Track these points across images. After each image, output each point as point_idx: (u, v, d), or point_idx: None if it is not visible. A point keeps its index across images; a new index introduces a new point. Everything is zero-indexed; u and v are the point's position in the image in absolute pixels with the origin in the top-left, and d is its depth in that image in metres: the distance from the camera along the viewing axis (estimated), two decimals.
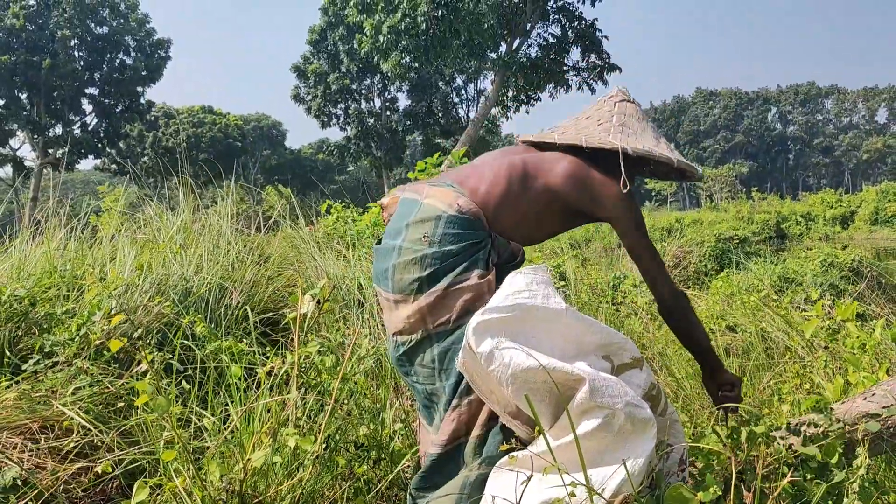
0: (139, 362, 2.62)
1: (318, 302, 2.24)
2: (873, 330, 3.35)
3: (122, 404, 2.58)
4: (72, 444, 2.43)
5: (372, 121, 40.90)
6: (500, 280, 2.11)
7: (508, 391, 1.81)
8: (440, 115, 40.48)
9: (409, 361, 2.15)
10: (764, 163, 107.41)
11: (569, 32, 26.58)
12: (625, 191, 2.20)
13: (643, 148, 2.24)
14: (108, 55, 41.75)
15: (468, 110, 41.54)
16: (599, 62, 26.47)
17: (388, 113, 41.90)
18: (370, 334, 3.83)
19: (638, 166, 2.38)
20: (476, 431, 2.03)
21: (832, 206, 36.07)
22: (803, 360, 3.87)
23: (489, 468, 1.97)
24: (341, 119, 41.21)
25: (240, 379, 2.49)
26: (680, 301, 2.26)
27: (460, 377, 2.03)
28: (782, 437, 2.41)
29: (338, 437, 2.29)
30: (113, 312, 3.03)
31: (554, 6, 26.21)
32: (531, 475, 1.72)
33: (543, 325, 1.91)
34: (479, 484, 1.98)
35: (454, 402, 2.05)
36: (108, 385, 2.67)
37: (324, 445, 2.20)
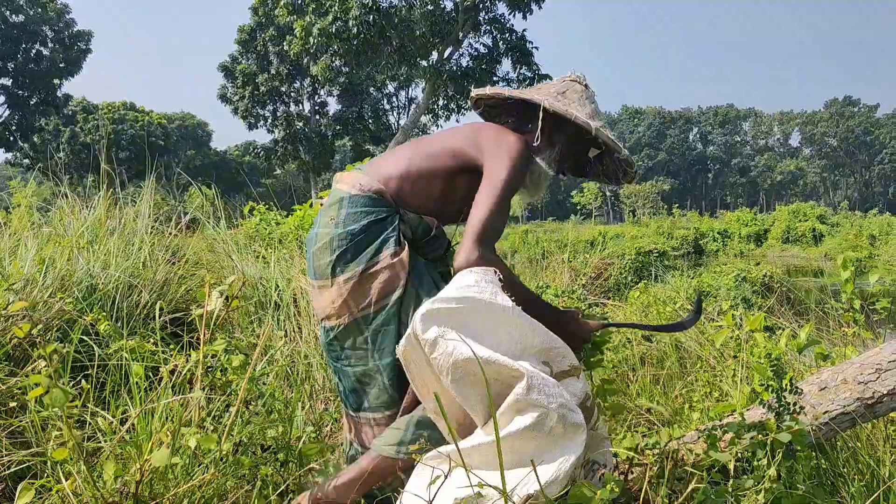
0: (35, 360, 2.48)
1: (227, 299, 2.16)
2: (779, 341, 3.46)
3: (14, 404, 2.43)
4: None
5: (301, 124, 40.40)
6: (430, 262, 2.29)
7: (447, 381, 1.79)
8: (370, 121, 40.31)
9: (339, 346, 2.20)
10: (685, 180, 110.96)
11: (500, 43, 26.89)
12: (519, 147, 2.23)
13: (564, 109, 2.25)
14: (24, 45, 40.03)
15: (399, 117, 41.58)
16: (530, 73, 26.84)
17: (317, 117, 41.48)
18: (285, 336, 3.74)
19: (570, 142, 2.39)
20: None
21: (747, 224, 37.55)
22: (714, 368, 3.97)
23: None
24: (269, 121, 40.58)
25: (142, 379, 2.39)
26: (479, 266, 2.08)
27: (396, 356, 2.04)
28: (690, 444, 2.46)
29: (244, 439, 2.22)
30: (9, 308, 2.87)
31: (486, 17, 26.49)
32: (448, 472, 1.70)
33: (490, 320, 1.90)
34: (426, 423, 2.03)
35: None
36: (0, 383, 2.52)
37: (230, 447, 2.13)
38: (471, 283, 1.92)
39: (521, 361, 1.84)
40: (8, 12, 39.12)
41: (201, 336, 2.10)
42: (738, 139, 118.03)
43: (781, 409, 2.29)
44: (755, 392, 2.90)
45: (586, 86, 2.41)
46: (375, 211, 2.18)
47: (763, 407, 2.37)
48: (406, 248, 2.15)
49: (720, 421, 2.52)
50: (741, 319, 3.74)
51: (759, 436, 2.25)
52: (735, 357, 3.79)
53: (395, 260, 2.12)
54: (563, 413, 1.77)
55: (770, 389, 2.38)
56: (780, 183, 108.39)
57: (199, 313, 2.13)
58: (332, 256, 2.14)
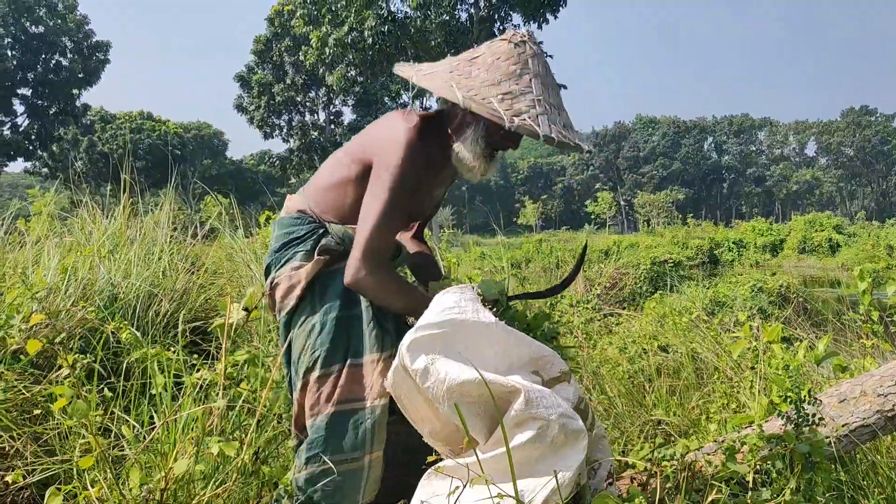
0: (59, 368, 2.52)
1: (247, 310, 2.19)
2: (797, 352, 3.45)
3: (38, 411, 2.47)
4: None
5: (316, 133, 40.63)
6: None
7: (444, 407, 1.80)
8: None
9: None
10: (700, 190, 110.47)
11: None
12: (402, 140, 2.06)
13: (452, 93, 1.97)
14: (43, 55, 40.54)
15: None
16: None
17: (332, 126, 41.69)
18: None
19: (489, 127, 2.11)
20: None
21: (763, 234, 37.32)
22: (731, 380, 3.96)
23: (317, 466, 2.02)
24: (284, 131, 40.86)
25: (165, 388, 2.42)
26: (365, 282, 2.07)
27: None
28: (708, 455, 2.46)
29: (267, 448, 2.24)
30: (34, 315, 2.91)
31: (501, 27, 26.56)
32: (465, 484, 1.71)
33: (474, 340, 1.91)
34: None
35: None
36: (24, 391, 2.56)
37: (251, 455, 2.15)
38: (450, 305, 1.93)
39: (513, 376, 1.86)
40: (28, 23, 39.65)
41: (223, 347, 2.12)
42: (754, 149, 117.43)
43: (801, 420, 2.28)
44: (773, 403, 2.90)
45: (517, 44, 2.07)
46: (295, 230, 2.25)
47: (782, 418, 2.37)
48: (315, 261, 2.19)
49: (738, 432, 2.51)
50: (758, 330, 3.73)
51: (779, 447, 2.24)
52: (752, 368, 3.78)
53: (293, 272, 2.19)
54: (563, 422, 1.78)
55: (789, 401, 2.37)
56: (795, 193, 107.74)
57: (218, 324, 2.16)
58: (263, 274, 2.32)
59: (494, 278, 2.51)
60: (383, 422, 2.07)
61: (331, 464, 1.99)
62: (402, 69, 2.16)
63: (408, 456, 2.11)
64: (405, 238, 2.67)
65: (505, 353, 1.94)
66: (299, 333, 2.17)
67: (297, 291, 2.18)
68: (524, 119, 1.91)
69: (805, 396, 2.37)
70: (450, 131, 2.19)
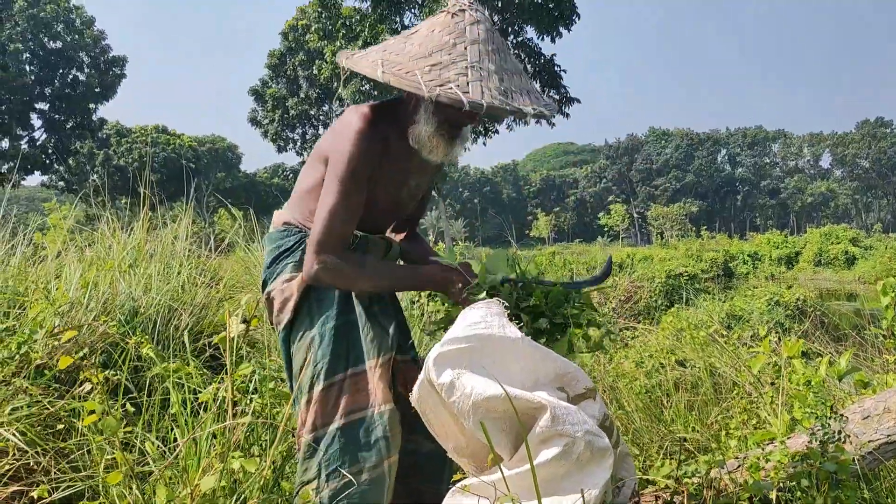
0: (82, 383, 2.53)
1: (246, 322, 2.20)
2: (818, 368, 3.42)
3: (61, 426, 2.48)
4: (6, 467, 2.32)
5: None
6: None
7: (469, 422, 1.80)
8: None
9: None
10: (713, 202, 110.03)
11: (528, 67, 26.99)
12: (351, 129, 2.03)
13: (379, 75, 1.89)
14: (61, 70, 41.02)
15: None
16: (558, 96, 26.86)
17: None
18: None
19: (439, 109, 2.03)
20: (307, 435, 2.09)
21: (778, 246, 37.11)
22: (750, 395, 3.93)
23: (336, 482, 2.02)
24: (298, 144, 41.05)
25: (184, 403, 2.43)
26: (326, 271, 2.05)
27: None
28: (730, 472, 2.44)
29: (285, 463, 2.24)
30: (57, 330, 2.94)
31: (514, 41, 26.64)
32: (491, 502, 1.71)
33: (500, 355, 1.91)
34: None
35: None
36: (48, 406, 2.57)
37: (271, 469, 2.16)
38: (477, 320, 1.92)
39: (539, 392, 1.85)
40: (46, 39, 40.16)
41: (228, 362, 2.13)
42: (768, 161, 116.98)
43: (826, 437, 2.26)
44: (795, 420, 2.87)
45: (454, 14, 1.97)
46: (283, 242, 2.26)
47: (806, 435, 2.35)
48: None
49: (761, 449, 2.49)
50: (778, 345, 3.70)
51: (805, 465, 2.22)
52: (773, 384, 3.76)
53: (285, 285, 2.20)
54: (589, 439, 1.77)
55: (813, 417, 2.35)
56: (810, 205, 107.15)
57: (219, 338, 2.16)
58: (260, 290, 2.31)
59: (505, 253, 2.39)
60: (395, 425, 2.07)
61: (351, 476, 1.99)
62: (341, 55, 2.10)
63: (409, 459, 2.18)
64: (400, 242, 2.60)
65: (531, 368, 1.94)
66: (299, 347, 2.17)
67: (291, 304, 2.18)
68: (450, 87, 1.80)
69: (829, 413, 2.35)
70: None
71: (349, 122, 2.07)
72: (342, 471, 2.00)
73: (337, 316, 2.14)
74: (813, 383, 3.19)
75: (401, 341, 2.26)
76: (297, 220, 2.27)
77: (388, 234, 2.53)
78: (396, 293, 2.45)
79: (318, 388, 2.07)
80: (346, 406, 2.06)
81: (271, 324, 2.29)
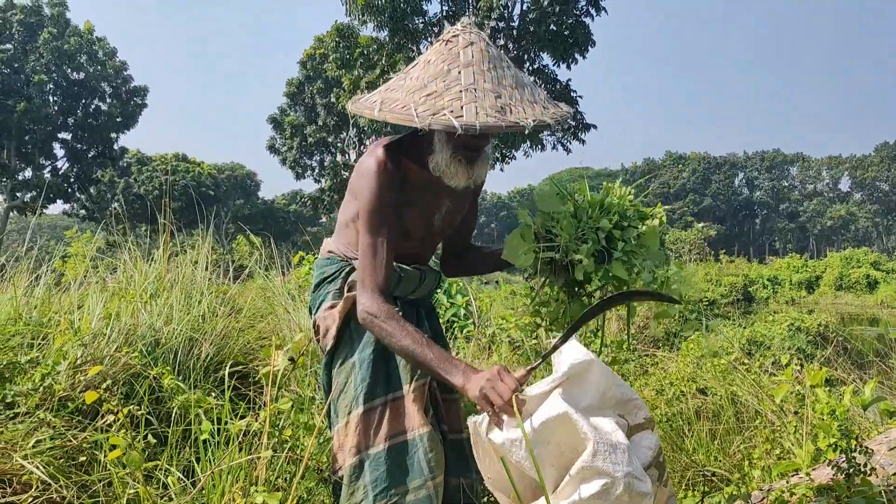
0: (104, 415, 2.55)
1: (292, 360, 2.22)
2: (842, 397, 3.37)
3: (84, 458, 2.49)
4: (30, 500, 2.33)
5: (347, 173, 41.03)
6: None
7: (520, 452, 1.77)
8: None
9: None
10: (731, 226, 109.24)
11: None
12: (370, 170, 2.11)
13: (380, 114, 1.93)
14: (84, 101, 41.72)
15: None
16: (573, 122, 26.90)
17: None
18: None
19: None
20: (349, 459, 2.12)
21: (798, 270, 36.78)
22: (773, 424, 3.88)
23: None
24: (316, 171, 41.32)
25: (211, 435, 2.44)
26: (372, 322, 2.06)
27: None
28: None
29: (310, 498, 2.24)
30: (79, 362, 2.96)
31: (530, 68, 26.77)
32: None
33: (594, 377, 1.89)
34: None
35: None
36: (72, 438, 2.59)
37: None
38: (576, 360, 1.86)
39: (596, 419, 1.81)
40: (69, 70, 40.88)
41: (267, 395, 2.14)
42: (786, 184, 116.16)
43: (852, 470, 2.23)
44: (819, 450, 2.84)
45: (447, 41, 2.00)
46: (326, 270, 2.40)
47: (831, 467, 2.32)
48: (345, 298, 2.26)
49: (786, 480, 2.46)
50: (801, 373, 3.66)
51: (831, 498, 2.19)
52: (796, 413, 3.71)
53: (327, 313, 2.31)
54: (629, 482, 1.70)
55: (838, 449, 2.32)
56: (830, 228, 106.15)
57: (265, 372, 2.18)
58: (308, 314, 2.45)
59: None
60: (436, 446, 2.11)
61: (398, 498, 2.04)
62: (348, 104, 2.13)
63: None
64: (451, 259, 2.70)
65: (600, 392, 1.91)
66: (339, 371, 2.24)
67: (333, 331, 2.26)
68: (443, 115, 1.81)
69: (854, 445, 2.32)
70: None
71: (366, 163, 2.16)
72: (390, 492, 2.04)
73: (375, 342, 2.19)
74: (837, 413, 3.15)
75: None
76: (339, 250, 2.40)
77: (441, 259, 2.69)
78: (437, 316, 2.59)
79: (358, 411, 2.13)
80: (388, 430, 2.12)
81: (319, 349, 2.40)
